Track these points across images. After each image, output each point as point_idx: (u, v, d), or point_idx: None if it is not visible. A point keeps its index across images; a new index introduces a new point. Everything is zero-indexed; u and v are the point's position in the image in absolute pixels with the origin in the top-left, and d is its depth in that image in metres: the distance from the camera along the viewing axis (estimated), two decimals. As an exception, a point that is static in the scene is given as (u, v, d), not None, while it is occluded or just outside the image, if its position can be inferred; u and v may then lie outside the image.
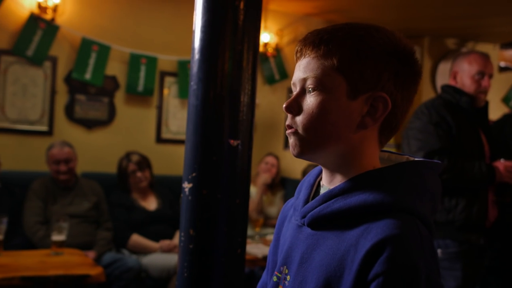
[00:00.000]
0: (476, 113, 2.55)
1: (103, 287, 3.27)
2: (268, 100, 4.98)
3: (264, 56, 4.91)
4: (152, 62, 4.39)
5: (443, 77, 5.35)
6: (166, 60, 4.47)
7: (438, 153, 2.41)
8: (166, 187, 4.05)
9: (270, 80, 4.96)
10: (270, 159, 4.45)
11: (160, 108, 4.57)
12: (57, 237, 2.97)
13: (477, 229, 2.45)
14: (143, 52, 4.37)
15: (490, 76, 2.58)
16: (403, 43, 0.90)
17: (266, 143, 4.93)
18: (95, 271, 2.61)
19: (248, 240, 3.73)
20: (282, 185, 4.58)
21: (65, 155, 3.60)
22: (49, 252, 2.96)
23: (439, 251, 2.44)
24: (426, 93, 5.36)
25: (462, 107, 2.54)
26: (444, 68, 5.44)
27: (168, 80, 4.59)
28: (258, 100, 4.97)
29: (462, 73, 2.57)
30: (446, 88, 2.63)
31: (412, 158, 0.95)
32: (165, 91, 4.59)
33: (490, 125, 2.78)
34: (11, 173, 3.76)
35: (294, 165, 4.78)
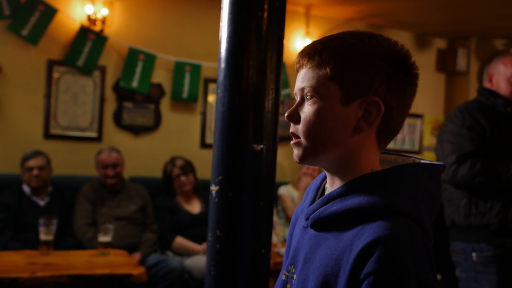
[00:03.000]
0: None
1: (148, 287, 3.39)
2: (310, 105, 5.01)
3: (307, 61, 4.93)
4: (196, 69, 4.52)
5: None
6: (210, 67, 4.59)
7: (471, 156, 2.39)
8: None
9: (313, 85, 4.99)
10: (312, 164, 4.48)
11: (204, 114, 4.68)
12: (103, 238, 3.10)
13: None
14: (187, 60, 4.50)
15: None
16: (397, 48, 0.93)
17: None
18: (138, 271, 2.72)
19: (289, 244, 3.76)
20: (324, 189, 4.59)
21: (113, 160, 3.75)
22: (96, 252, 3.10)
23: (474, 255, 2.41)
24: (474, 96, 5.25)
25: (497, 110, 2.50)
26: (491, 70, 5.31)
27: (212, 86, 4.70)
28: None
29: (498, 76, 2.54)
30: (481, 91, 2.60)
31: (418, 161, 0.97)
32: (209, 97, 4.71)
33: None
34: (63, 177, 3.95)
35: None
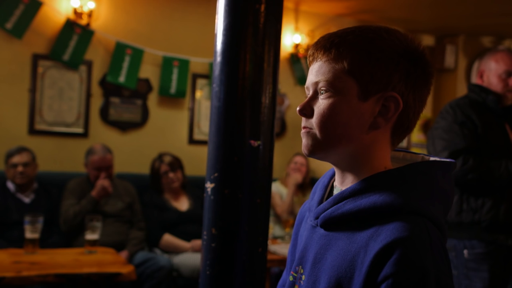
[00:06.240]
0: (503, 112, 2.51)
1: (135, 285, 3.34)
2: (299, 101, 4.97)
3: (296, 57, 4.91)
4: (184, 64, 4.46)
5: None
6: (198, 63, 4.53)
7: (463, 152, 2.38)
8: (198, 187, 4.10)
9: (302, 81, 4.96)
10: (299, 159, 4.45)
11: (192, 110, 4.63)
12: (90, 236, 3.04)
13: (505, 229, 2.40)
14: (175, 55, 4.44)
15: None
16: (415, 45, 0.91)
17: (298, 143, 4.93)
18: (126, 269, 2.67)
19: (278, 240, 3.74)
20: (312, 185, 4.57)
21: (107, 162, 3.67)
22: (83, 250, 3.04)
23: (465, 252, 2.41)
24: (461, 93, 5.27)
25: (488, 106, 2.50)
26: (479, 67, 5.34)
27: (200, 82, 4.65)
28: (290, 100, 4.99)
29: (489, 72, 2.54)
30: (472, 87, 2.60)
31: (427, 158, 0.95)
32: (198, 93, 4.66)
33: None
34: (48, 174, 3.88)
35: (324, 165, 4.77)
